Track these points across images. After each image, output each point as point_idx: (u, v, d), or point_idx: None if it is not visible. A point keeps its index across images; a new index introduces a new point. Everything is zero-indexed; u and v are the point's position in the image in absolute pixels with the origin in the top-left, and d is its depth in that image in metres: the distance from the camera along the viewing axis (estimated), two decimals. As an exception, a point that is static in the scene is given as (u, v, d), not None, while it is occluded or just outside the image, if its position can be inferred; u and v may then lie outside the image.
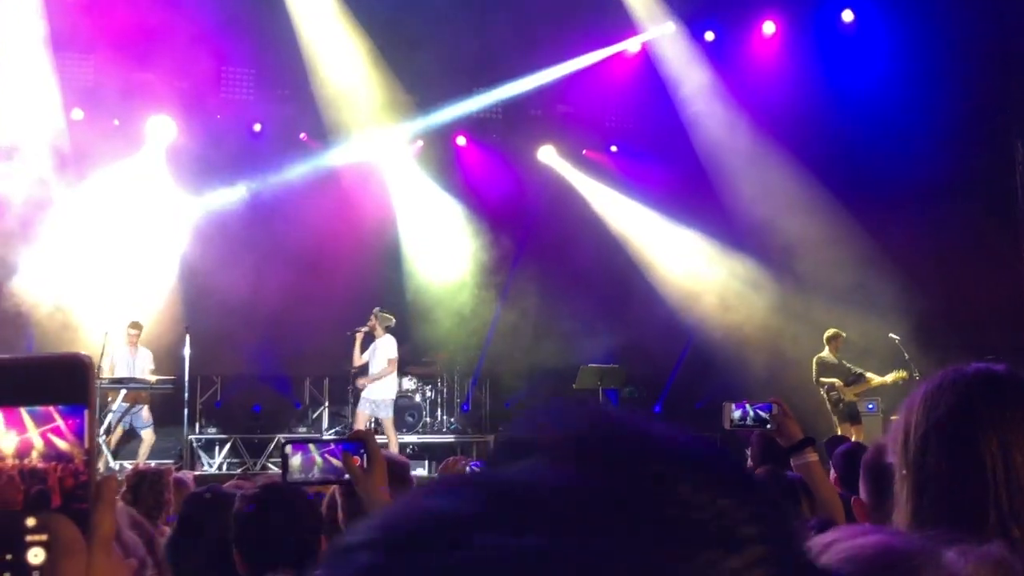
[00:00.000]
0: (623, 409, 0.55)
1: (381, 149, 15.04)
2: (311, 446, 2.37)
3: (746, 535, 0.49)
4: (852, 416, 11.73)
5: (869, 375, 11.83)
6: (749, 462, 5.00)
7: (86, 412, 0.84)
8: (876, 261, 13.45)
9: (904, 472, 1.55)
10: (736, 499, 0.50)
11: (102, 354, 11.34)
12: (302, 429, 13.97)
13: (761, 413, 3.39)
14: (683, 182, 14.79)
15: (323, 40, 14.16)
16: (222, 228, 13.23)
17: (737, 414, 3.43)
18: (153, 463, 8.67)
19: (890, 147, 13.52)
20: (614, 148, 15.98)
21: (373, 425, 11.99)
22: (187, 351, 11.82)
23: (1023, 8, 12.98)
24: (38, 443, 0.83)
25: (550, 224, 15.33)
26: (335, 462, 2.33)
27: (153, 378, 11.79)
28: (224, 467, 12.83)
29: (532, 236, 15.37)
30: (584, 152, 15.85)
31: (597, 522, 0.47)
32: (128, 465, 10.32)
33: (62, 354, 0.86)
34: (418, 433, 13.86)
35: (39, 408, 0.83)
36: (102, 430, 11.14)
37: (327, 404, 14.24)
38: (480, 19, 13.15)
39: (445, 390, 14.79)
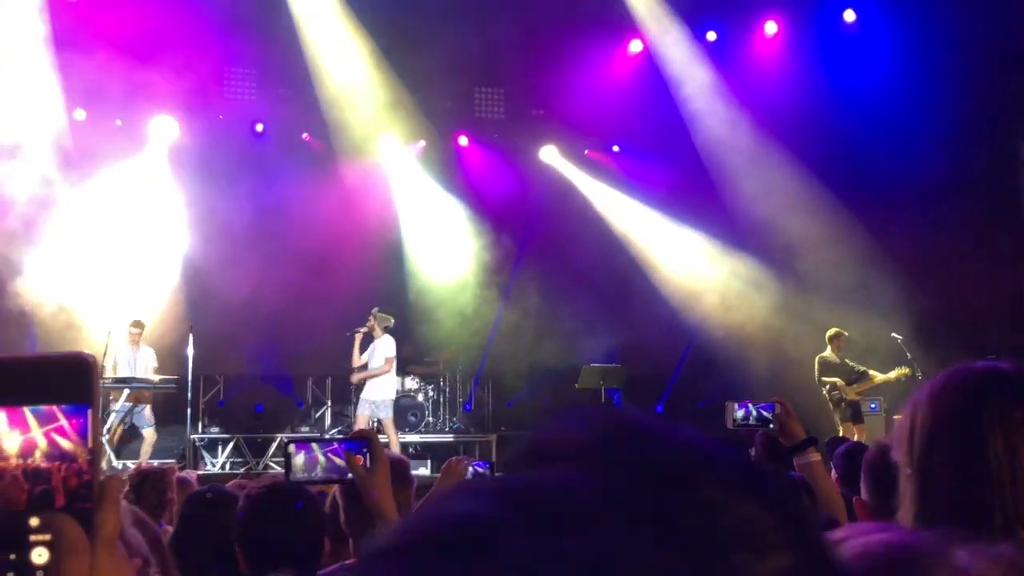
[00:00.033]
0: (644, 412, 0.55)
1: (383, 149, 15.05)
2: (314, 445, 2.37)
3: (774, 541, 0.49)
4: (855, 415, 11.72)
5: (872, 373, 11.82)
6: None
7: (90, 411, 0.84)
8: (877, 261, 13.44)
9: (909, 471, 1.54)
10: (762, 504, 0.50)
11: (105, 353, 11.35)
12: (305, 429, 13.98)
13: (764, 413, 3.39)
14: (685, 182, 14.78)
15: (326, 40, 14.16)
16: (225, 228, 13.22)
17: (740, 414, 3.43)
18: (156, 463, 8.67)
19: (891, 147, 13.51)
20: (616, 148, 15.98)
21: (375, 426, 11.99)
22: (190, 351, 11.83)
23: (1025, 8, 12.98)
24: (42, 443, 0.83)
25: (552, 224, 15.32)
26: (338, 461, 2.33)
27: (156, 377, 11.80)
28: (227, 467, 12.83)
29: (534, 236, 15.37)
30: (586, 152, 15.85)
31: (624, 526, 0.47)
32: (131, 464, 10.32)
33: (66, 353, 0.86)
34: (420, 433, 13.87)
35: (43, 407, 0.83)
36: (104, 429, 11.14)
37: (329, 404, 14.25)
38: (482, 19, 13.15)
39: (447, 390, 14.80)
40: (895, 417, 11.73)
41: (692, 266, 15.25)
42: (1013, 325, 12.57)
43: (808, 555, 0.50)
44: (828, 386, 11.73)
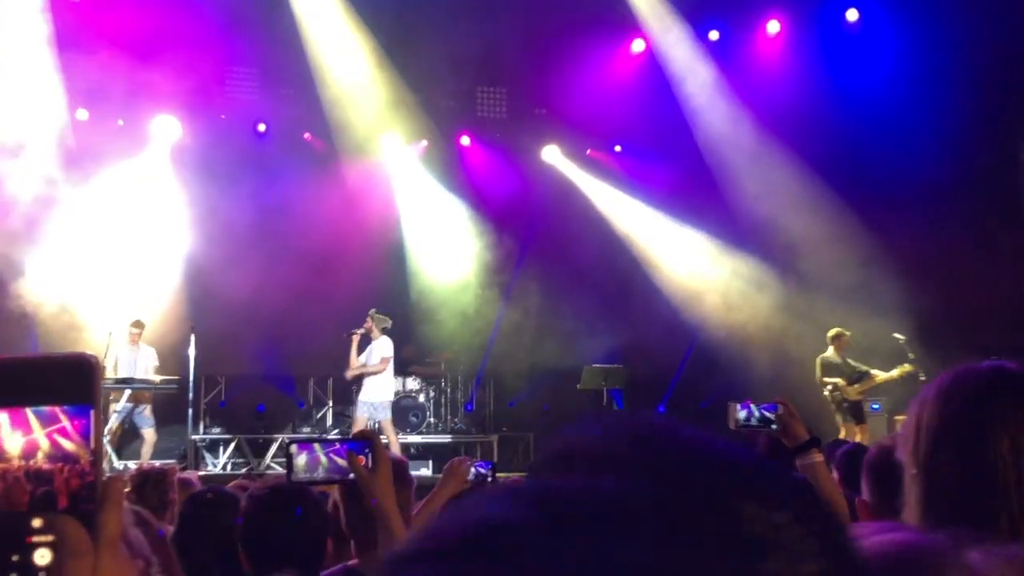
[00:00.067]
0: (672, 419, 0.55)
1: (385, 149, 15.06)
2: (316, 445, 2.37)
3: (805, 549, 0.48)
4: (856, 415, 11.70)
5: (874, 372, 11.80)
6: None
7: (92, 412, 0.84)
8: (879, 260, 13.44)
9: (914, 471, 1.54)
10: (791, 511, 0.50)
11: (105, 354, 11.35)
12: (306, 429, 13.98)
13: (766, 413, 3.38)
14: (687, 181, 14.79)
15: (328, 39, 14.17)
16: (226, 228, 13.23)
17: (742, 414, 3.42)
18: (157, 463, 8.68)
19: (893, 146, 13.51)
20: (618, 148, 15.98)
21: (375, 427, 11.98)
22: (192, 351, 11.83)
23: (1028, 7, 12.97)
24: (44, 444, 0.83)
25: (554, 224, 15.32)
26: (340, 462, 2.33)
27: (158, 378, 11.80)
28: (228, 467, 12.84)
29: (536, 236, 15.37)
30: (588, 152, 15.86)
31: (656, 534, 0.47)
32: (132, 465, 10.33)
33: (68, 354, 0.85)
34: (422, 433, 13.87)
35: (45, 408, 0.83)
36: (104, 430, 11.12)
37: (331, 404, 14.26)
38: (484, 18, 13.14)
39: (449, 390, 14.80)
40: (897, 417, 11.78)
41: (694, 266, 15.26)
42: (1014, 325, 12.54)
43: (840, 563, 0.50)
44: (829, 386, 11.72)
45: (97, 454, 0.83)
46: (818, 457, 3.25)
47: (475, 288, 15.20)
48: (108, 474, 0.85)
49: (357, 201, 14.42)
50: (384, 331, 12.01)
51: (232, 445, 13.19)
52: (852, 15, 14.68)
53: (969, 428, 1.50)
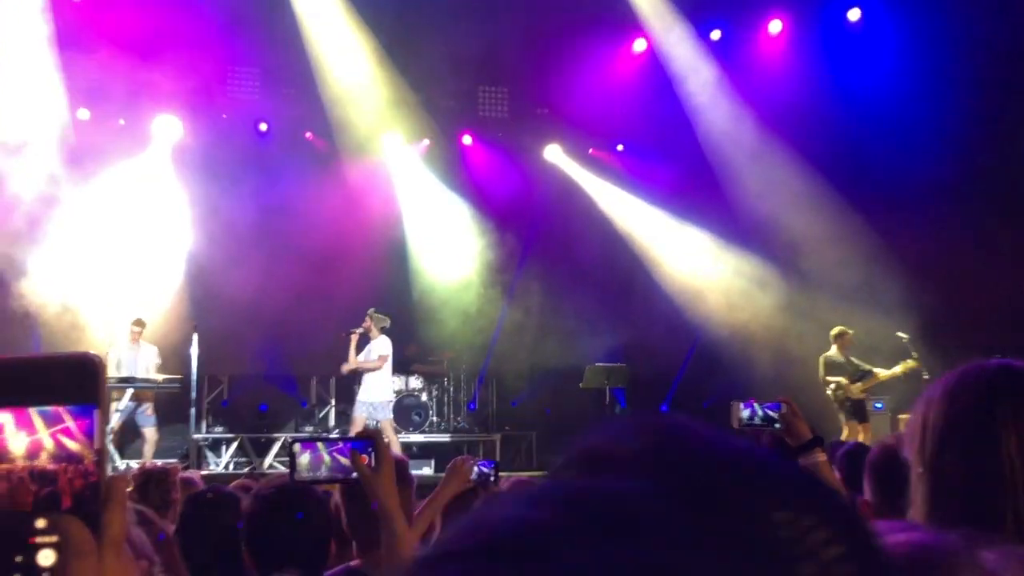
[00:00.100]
0: (697, 422, 0.55)
1: (387, 148, 15.06)
2: (319, 444, 2.37)
3: (832, 553, 0.48)
4: (859, 414, 11.69)
5: (877, 370, 11.79)
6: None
7: (96, 412, 0.84)
8: (881, 259, 13.44)
9: (920, 470, 1.53)
10: (818, 514, 0.50)
11: (107, 353, 11.36)
12: (309, 428, 14.00)
13: (769, 412, 3.38)
14: (689, 181, 14.79)
15: (329, 39, 14.17)
16: (228, 227, 13.24)
17: (745, 413, 3.41)
18: (159, 462, 8.68)
19: (896, 145, 13.50)
20: (620, 147, 15.99)
21: (375, 427, 11.98)
22: (194, 350, 11.83)
23: (1030, 6, 12.96)
24: (48, 444, 0.83)
25: (556, 223, 15.33)
26: (343, 461, 2.32)
27: (160, 377, 11.80)
28: (230, 466, 12.85)
29: (538, 235, 15.38)
30: (590, 151, 15.86)
31: (685, 537, 0.47)
32: (134, 464, 10.33)
33: (72, 353, 0.85)
34: (424, 432, 13.87)
35: (49, 408, 0.83)
36: (107, 429, 11.14)
37: (334, 403, 14.27)
38: (486, 17, 13.14)
39: (451, 389, 14.81)
40: (900, 416, 11.77)
41: (696, 265, 15.26)
42: (1015, 324, 12.53)
43: (868, 566, 0.50)
44: (832, 385, 11.71)
45: (101, 454, 0.83)
46: (821, 456, 3.25)
47: (477, 287, 15.21)
48: (111, 474, 0.85)
49: (359, 200, 14.42)
50: (383, 330, 12.01)
51: (234, 444, 13.20)
52: (854, 14, 14.67)
53: (976, 427, 1.49)
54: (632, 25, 14.78)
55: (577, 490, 0.51)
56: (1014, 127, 13.54)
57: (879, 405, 12.35)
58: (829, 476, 3.25)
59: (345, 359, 12.06)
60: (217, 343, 12.51)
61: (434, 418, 14.22)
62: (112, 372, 11.38)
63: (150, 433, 11.80)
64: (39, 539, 0.81)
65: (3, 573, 0.80)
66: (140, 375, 11.64)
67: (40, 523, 0.81)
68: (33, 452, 0.83)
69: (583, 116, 14.84)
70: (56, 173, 12.53)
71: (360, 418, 11.84)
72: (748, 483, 0.50)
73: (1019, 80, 13.42)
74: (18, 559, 0.80)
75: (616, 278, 15.13)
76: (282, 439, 13.03)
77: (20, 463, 0.82)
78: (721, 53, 14.80)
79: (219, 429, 13.73)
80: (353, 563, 3.03)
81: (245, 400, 14.14)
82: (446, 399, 14.67)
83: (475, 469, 4.27)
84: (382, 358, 11.90)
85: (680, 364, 15.07)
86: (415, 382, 14.29)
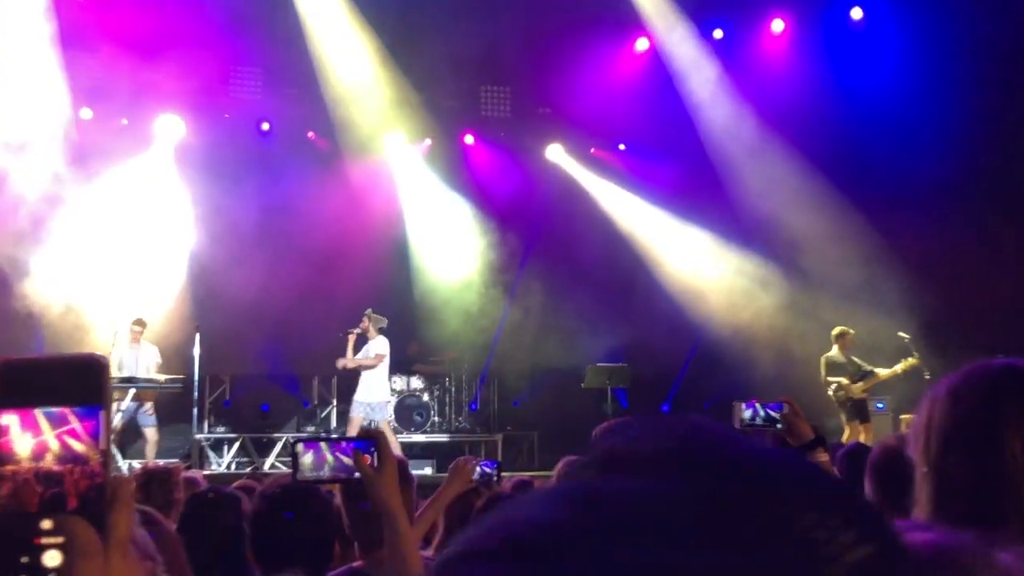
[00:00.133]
0: (716, 424, 0.55)
1: (389, 148, 15.07)
2: (322, 444, 2.37)
3: (860, 554, 0.48)
4: (861, 414, 11.68)
5: (878, 370, 11.78)
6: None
7: (102, 413, 0.84)
8: (883, 258, 13.44)
9: (925, 470, 1.53)
10: (846, 516, 0.50)
11: (109, 353, 11.36)
12: (311, 428, 14.00)
13: (771, 413, 3.38)
14: (691, 180, 14.78)
15: (331, 39, 14.18)
16: (231, 227, 13.24)
17: (747, 414, 3.42)
18: (161, 462, 8.68)
19: (898, 145, 13.49)
20: (622, 146, 15.98)
21: (372, 426, 11.99)
22: (196, 350, 11.83)
23: (1033, 5, 12.95)
24: (54, 445, 0.83)
25: (558, 223, 15.33)
26: (346, 460, 2.32)
27: (162, 377, 11.80)
28: (232, 466, 12.86)
29: (540, 235, 15.37)
30: (592, 150, 15.86)
31: (708, 537, 0.47)
32: (137, 464, 10.34)
33: (77, 355, 0.85)
34: (426, 432, 13.87)
35: (54, 410, 0.83)
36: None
37: (335, 403, 14.26)
38: (488, 17, 13.14)
39: (453, 389, 14.80)
40: (902, 416, 11.75)
41: (698, 264, 15.26)
42: (1017, 324, 12.52)
43: (894, 566, 0.50)
44: (833, 386, 11.69)
45: (107, 455, 0.84)
46: (823, 456, 3.25)
47: (479, 287, 15.21)
48: (117, 475, 0.85)
49: (361, 200, 14.43)
50: (380, 331, 12.02)
51: (236, 444, 13.21)
52: (856, 13, 14.67)
53: (980, 427, 1.49)
54: (634, 24, 14.78)
55: (604, 490, 0.50)
56: (1016, 126, 13.53)
57: (880, 405, 12.34)
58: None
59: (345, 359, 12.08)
60: (219, 343, 12.51)
61: (436, 418, 14.22)
62: (114, 372, 11.37)
63: (151, 433, 11.79)
64: (45, 540, 0.81)
65: (9, 574, 0.80)
66: (141, 375, 11.64)
67: (46, 524, 0.81)
68: (39, 453, 0.83)
69: (585, 116, 14.84)
70: (59, 173, 12.53)
71: (357, 418, 11.85)
72: (775, 484, 0.50)
73: (1022, 79, 13.40)
74: (24, 560, 0.80)
75: (618, 278, 15.12)
76: (284, 439, 13.04)
77: (26, 464, 0.83)
78: (723, 52, 14.80)
79: (221, 429, 13.74)
80: (356, 564, 3.04)
81: (247, 400, 14.15)
82: (448, 399, 14.67)
83: (478, 469, 4.28)
84: (379, 356, 11.89)
85: (681, 364, 15.07)
86: (417, 382, 14.29)
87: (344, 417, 13.94)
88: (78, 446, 0.83)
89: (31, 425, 0.83)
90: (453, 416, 14.67)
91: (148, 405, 11.77)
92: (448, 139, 15.45)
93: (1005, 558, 0.94)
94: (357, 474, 2.29)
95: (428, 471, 12.40)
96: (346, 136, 14.57)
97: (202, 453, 12.74)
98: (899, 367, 11.69)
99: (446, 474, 4.20)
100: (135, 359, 11.83)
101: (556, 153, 15.76)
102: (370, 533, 2.81)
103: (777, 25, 14.93)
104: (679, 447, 0.52)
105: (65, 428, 0.83)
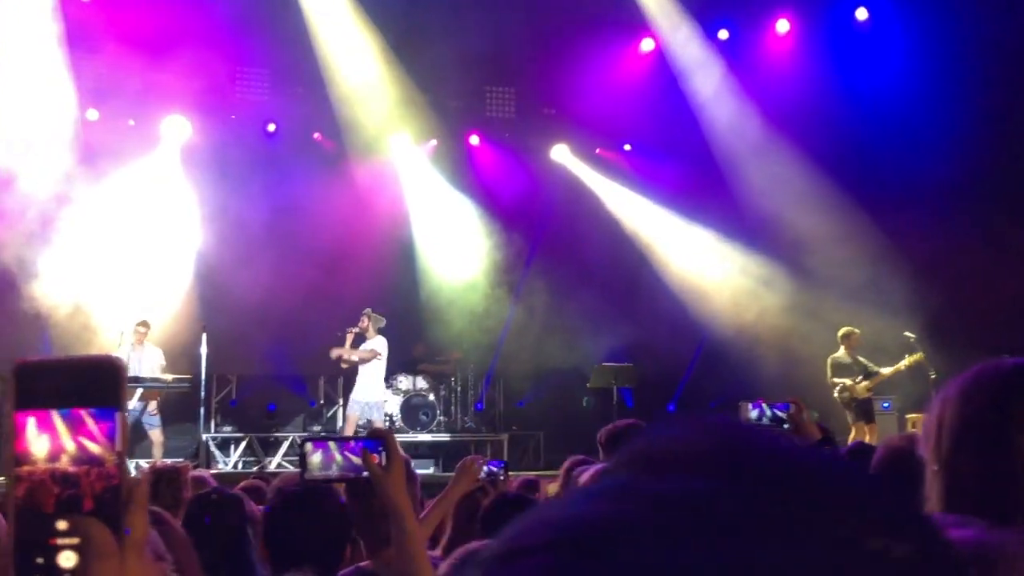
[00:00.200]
0: (754, 425, 0.55)
1: (394, 148, 15.07)
2: (331, 443, 2.38)
3: (900, 553, 0.48)
4: (866, 414, 11.65)
5: (883, 370, 11.75)
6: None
7: (118, 415, 0.84)
8: (888, 258, 13.42)
9: (935, 468, 1.54)
10: (887, 514, 0.50)
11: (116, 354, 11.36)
12: (317, 427, 14.01)
13: (778, 413, 3.38)
14: (696, 180, 14.77)
15: (337, 39, 14.19)
16: (237, 227, 13.26)
17: (754, 414, 3.42)
18: (168, 462, 8.69)
19: (903, 145, 13.48)
20: (627, 147, 15.97)
21: (367, 425, 12.01)
22: (203, 350, 11.85)
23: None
24: (70, 447, 0.83)
25: (563, 223, 15.32)
26: (355, 459, 2.33)
27: (169, 377, 11.81)
28: (239, 465, 12.87)
29: (545, 235, 15.37)
30: (597, 151, 15.84)
31: (757, 537, 0.47)
32: (144, 464, 10.36)
33: (93, 356, 0.86)
34: (432, 432, 13.87)
35: (71, 411, 0.84)
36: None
37: (342, 402, 14.25)
38: (493, 18, 13.15)
39: (459, 389, 14.79)
40: (908, 416, 11.74)
41: (703, 264, 15.25)
42: (1022, 324, 12.50)
43: (939, 563, 0.50)
44: (838, 387, 11.67)
45: (122, 456, 0.84)
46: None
47: (484, 287, 15.21)
48: (133, 477, 0.85)
49: (366, 201, 14.44)
50: (379, 331, 12.03)
51: (243, 444, 13.22)
52: (862, 14, 14.65)
53: (990, 427, 1.50)
54: (639, 25, 14.77)
55: (650, 488, 0.50)
56: (1022, 127, 13.50)
57: (886, 405, 12.31)
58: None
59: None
60: (226, 343, 12.53)
61: (441, 418, 14.21)
62: (121, 373, 11.36)
63: (156, 435, 11.78)
64: (61, 541, 0.81)
65: (26, 574, 0.81)
66: (144, 377, 11.65)
67: (62, 525, 0.82)
68: (55, 454, 0.83)
69: (590, 116, 14.83)
70: (66, 174, 12.56)
71: (353, 416, 11.89)
72: (819, 484, 0.50)
73: (1026, 79, 13.39)
74: (40, 560, 0.81)
75: (623, 277, 15.11)
76: (290, 438, 13.05)
77: (42, 465, 0.83)
78: (728, 52, 14.79)
79: (228, 428, 13.75)
80: (363, 564, 3.04)
81: (254, 400, 14.17)
82: (453, 399, 14.67)
83: (484, 468, 4.28)
84: (373, 351, 11.91)
85: (686, 364, 15.05)
86: (422, 382, 14.29)
87: (350, 417, 13.97)
88: (94, 447, 0.84)
89: (47, 426, 0.83)
90: (459, 416, 14.67)
91: (152, 406, 11.77)
92: (453, 140, 15.44)
93: None
94: (365, 473, 2.30)
95: (431, 470, 12.44)
96: (352, 137, 14.58)
97: (209, 453, 12.75)
98: (903, 363, 11.67)
99: (452, 473, 4.21)
100: (139, 361, 11.84)
101: (561, 153, 15.75)
102: (375, 532, 2.81)
103: (782, 25, 14.92)
104: (721, 446, 0.52)
105: (81, 429, 0.84)
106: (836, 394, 11.68)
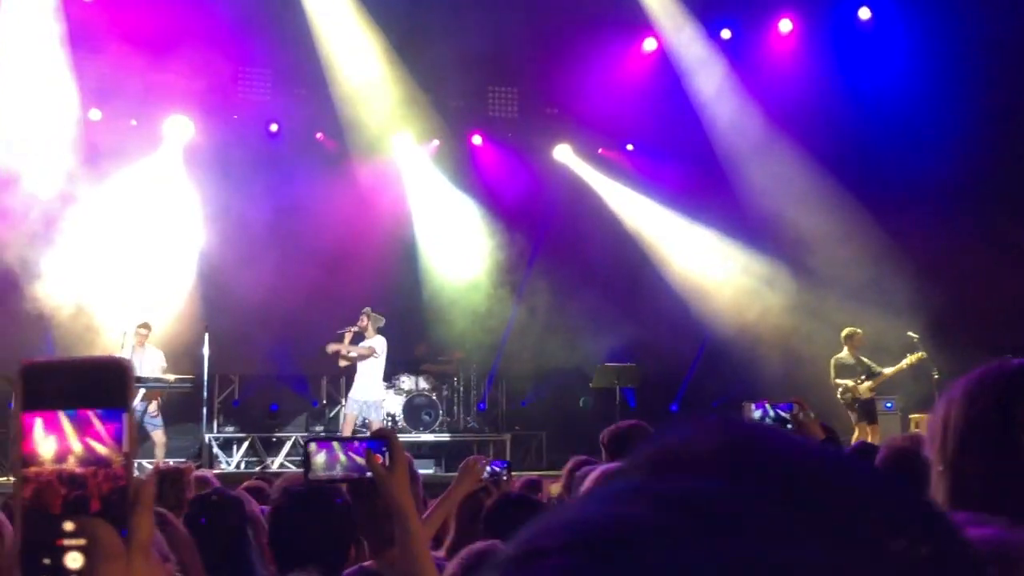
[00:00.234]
0: (766, 424, 0.55)
1: (397, 148, 15.07)
2: (335, 444, 2.38)
3: (920, 553, 0.48)
4: (869, 415, 11.64)
5: (886, 369, 11.74)
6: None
7: (125, 416, 0.84)
8: (890, 258, 13.42)
9: (941, 468, 1.54)
10: (905, 513, 0.50)
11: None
12: (319, 428, 14.02)
13: (781, 413, 3.38)
14: (699, 180, 14.76)
15: (339, 39, 14.19)
16: (239, 227, 13.27)
17: (757, 414, 3.42)
18: (172, 462, 8.70)
19: (905, 144, 13.47)
20: (630, 147, 15.96)
21: (364, 424, 12.02)
22: (206, 350, 11.85)
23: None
24: (77, 448, 0.84)
25: (566, 223, 15.32)
26: (358, 460, 2.33)
27: (171, 377, 11.81)
28: (242, 466, 12.88)
29: (548, 235, 15.37)
30: (600, 151, 15.84)
31: (776, 535, 0.47)
32: (147, 464, 10.38)
33: (100, 357, 0.86)
34: (434, 432, 13.87)
35: (78, 412, 0.84)
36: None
37: (344, 403, 14.27)
38: (495, 18, 13.15)
39: (461, 389, 14.79)
40: (911, 416, 11.72)
41: (705, 264, 15.24)
42: (1025, 324, 12.51)
43: (957, 561, 0.50)
44: (841, 388, 11.66)
45: (129, 458, 0.84)
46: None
47: (487, 287, 15.21)
48: (138, 478, 0.85)
49: (369, 201, 14.44)
50: (379, 330, 12.03)
51: (246, 444, 13.23)
52: (864, 14, 14.64)
53: (995, 427, 1.49)
54: (642, 24, 14.77)
55: (670, 488, 0.50)
56: (1023, 126, 13.50)
57: (889, 405, 12.29)
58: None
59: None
60: (228, 343, 12.54)
61: (444, 418, 14.22)
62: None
63: (158, 436, 11.78)
64: (67, 542, 0.81)
65: (33, 575, 0.81)
66: (146, 377, 11.65)
67: (69, 526, 0.82)
68: (62, 455, 0.83)
69: (593, 116, 14.83)
70: (68, 174, 12.57)
71: (351, 415, 11.91)
72: (838, 484, 0.50)
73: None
74: (46, 561, 0.81)
75: (626, 278, 15.11)
76: (293, 438, 13.06)
77: (49, 466, 0.83)
78: (731, 52, 14.78)
79: (230, 429, 13.76)
80: (367, 563, 3.04)
81: (256, 400, 14.18)
82: (456, 399, 14.67)
83: (487, 468, 4.28)
84: (371, 348, 11.91)
85: (688, 364, 15.05)
86: (425, 382, 14.30)
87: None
88: (101, 449, 0.84)
89: (54, 427, 0.83)
90: (461, 416, 14.66)
91: (153, 407, 11.76)
92: (456, 139, 15.44)
93: None
94: (369, 473, 2.30)
95: (433, 470, 12.45)
96: (354, 137, 14.58)
97: (211, 453, 12.76)
98: (905, 362, 11.66)
99: (454, 473, 4.21)
100: (139, 362, 11.83)
101: (564, 153, 15.74)
102: (378, 532, 2.81)
103: (785, 25, 14.91)
104: (737, 446, 0.52)
105: (88, 431, 0.84)
106: (838, 395, 11.66)
